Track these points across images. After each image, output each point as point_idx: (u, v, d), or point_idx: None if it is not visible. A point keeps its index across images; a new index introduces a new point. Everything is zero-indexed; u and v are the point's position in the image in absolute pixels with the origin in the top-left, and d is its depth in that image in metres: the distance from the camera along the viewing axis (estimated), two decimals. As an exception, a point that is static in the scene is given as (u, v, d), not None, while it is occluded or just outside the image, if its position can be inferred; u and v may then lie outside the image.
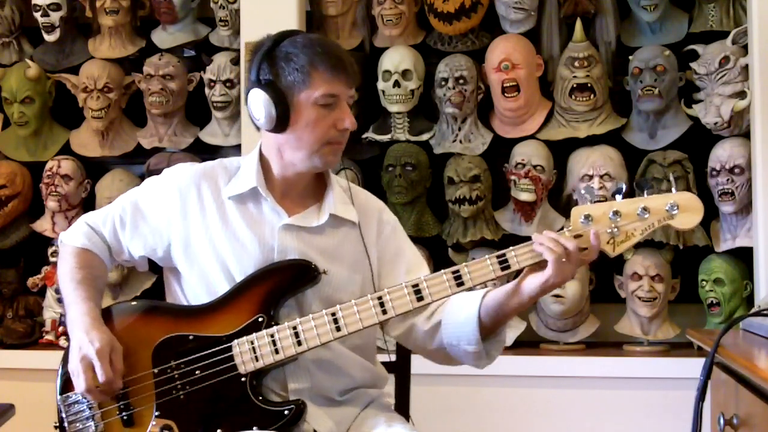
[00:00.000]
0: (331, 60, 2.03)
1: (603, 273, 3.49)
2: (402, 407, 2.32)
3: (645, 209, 1.97)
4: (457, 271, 1.99)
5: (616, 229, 1.98)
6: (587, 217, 1.98)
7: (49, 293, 3.73)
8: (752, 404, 1.90)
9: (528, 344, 3.51)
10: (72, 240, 2.16)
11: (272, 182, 2.13)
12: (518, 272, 2.00)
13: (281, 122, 2.03)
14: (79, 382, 1.96)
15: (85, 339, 1.97)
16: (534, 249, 1.95)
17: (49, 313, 3.71)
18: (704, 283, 3.36)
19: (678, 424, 2.90)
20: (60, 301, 3.65)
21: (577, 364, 3.36)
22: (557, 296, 3.37)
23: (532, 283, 1.96)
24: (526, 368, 3.37)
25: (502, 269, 1.97)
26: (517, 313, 2.09)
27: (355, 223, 2.14)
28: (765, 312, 2.26)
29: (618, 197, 1.99)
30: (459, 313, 2.05)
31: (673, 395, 3.18)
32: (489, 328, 2.03)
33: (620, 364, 3.33)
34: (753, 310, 2.42)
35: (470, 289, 2.01)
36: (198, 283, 2.10)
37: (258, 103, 2.04)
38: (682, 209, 1.98)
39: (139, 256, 2.16)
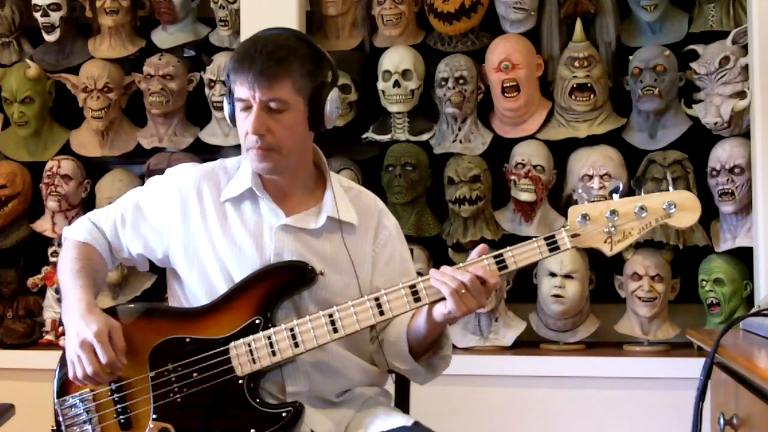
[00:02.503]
0: (238, 62, 2.01)
1: (603, 273, 3.49)
2: (402, 407, 2.31)
3: (642, 208, 1.97)
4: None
5: (613, 229, 1.97)
6: (584, 216, 1.98)
7: (49, 293, 3.73)
8: (752, 404, 1.89)
9: (528, 344, 3.51)
10: (74, 234, 2.17)
11: (267, 182, 2.12)
12: None
13: (232, 121, 2.08)
14: (82, 367, 1.93)
15: (81, 323, 1.95)
16: (431, 284, 1.96)
17: (49, 313, 3.71)
18: (704, 283, 3.35)
19: (678, 424, 2.90)
20: (60, 301, 3.65)
21: (577, 364, 3.35)
22: (557, 296, 3.37)
23: (438, 312, 1.98)
24: (526, 368, 3.37)
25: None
26: (435, 334, 2.07)
27: (355, 226, 2.13)
28: (765, 312, 2.26)
29: (615, 196, 1.99)
30: (392, 332, 2.10)
31: (673, 395, 3.18)
32: (418, 347, 2.07)
33: (620, 364, 3.33)
34: (753, 310, 2.42)
35: None
36: (198, 285, 2.10)
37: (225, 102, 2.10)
38: (679, 208, 1.97)
39: (138, 254, 2.17)
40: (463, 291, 1.92)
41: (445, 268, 1.95)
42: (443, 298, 1.95)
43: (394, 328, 2.11)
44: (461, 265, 1.97)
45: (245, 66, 1.99)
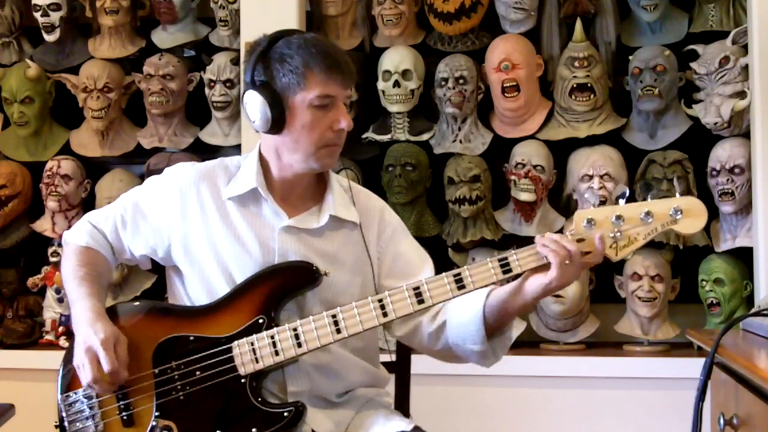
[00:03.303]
0: (326, 60, 2.01)
1: (603, 273, 3.49)
2: (402, 407, 2.32)
3: (648, 214, 1.96)
4: (459, 274, 1.97)
5: (618, 234, 1.96)
6: (590, 221, 1.97)
7: (49, 293, 3.73)
8: (752, 404, 1.90)
9: (528, 344, 3.51)
10: (75, 239, 2.17)
11: (272, 183, 2.12)
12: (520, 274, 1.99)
13: (276, 124, 2.03)
14: (85, 373, 1.95)
15: (89, 331, 1.97)
16: (538, 251, 1.93)
17: (49, 313, 3.71)
18: (704, 283, 3.36)
19: (678, 424, 2.90)
20: (60, 300, 3.66)
21: (577, 364, 3.36)
22: (557, 296, 3.36)
23: (534, 284, 1.95)
24: (526, 368, 3.37)
25: (504, 272, 1.95)
26: (521, 313, 2.07)
27: (356, 224, 2.13)
28: (765, 312, 2.26)
29: (621, 201, 1.98)
30: (463, 313, 2.04)
31: (673, 395, 3.18)
32: (494, 327, 2.03)
33: (620, 364, 3.33)
34: (753, 310, 2.42)
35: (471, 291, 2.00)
36: (198, 284, 2.10)
37: (253, 105, 2.03)
38: (686, 214, 1.97)
39: (140, 255, 2.17)
40: (567, 262, 1.90)
41: (550, 235, 1.93)
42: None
43: (466, 310, 2.04)
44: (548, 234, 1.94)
45: (335, 66, 2.02)
